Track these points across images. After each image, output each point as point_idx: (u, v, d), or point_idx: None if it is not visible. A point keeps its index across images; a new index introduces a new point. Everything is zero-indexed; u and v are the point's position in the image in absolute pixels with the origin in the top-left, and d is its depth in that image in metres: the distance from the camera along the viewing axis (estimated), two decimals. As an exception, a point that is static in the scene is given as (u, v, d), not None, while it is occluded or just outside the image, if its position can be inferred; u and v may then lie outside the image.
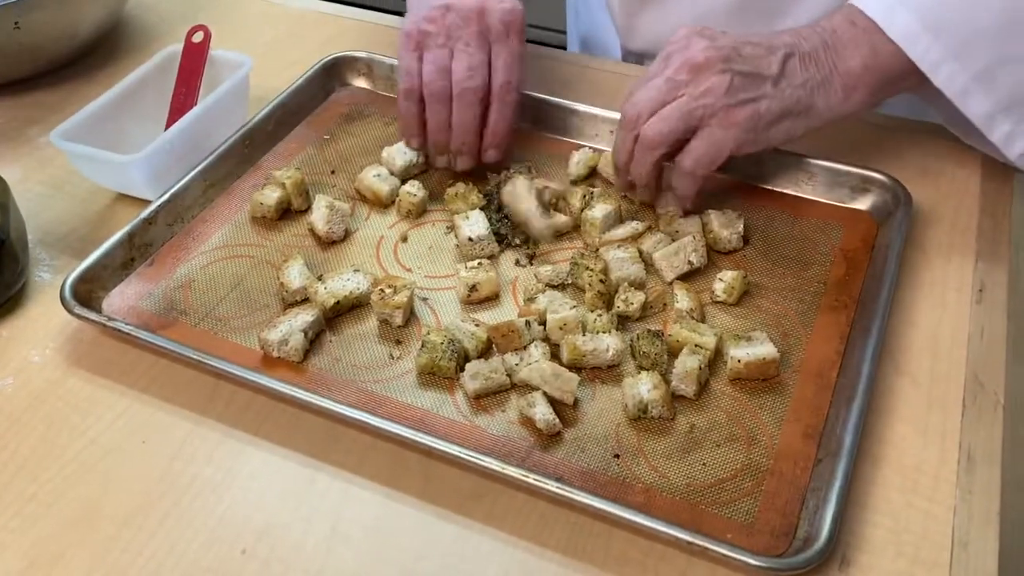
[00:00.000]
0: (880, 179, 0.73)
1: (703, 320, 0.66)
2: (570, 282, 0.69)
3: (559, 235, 0.73)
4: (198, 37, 0.81)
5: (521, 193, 0.71)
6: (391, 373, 0.63)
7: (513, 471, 0.54)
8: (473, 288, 0.67)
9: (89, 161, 0.72)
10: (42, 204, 0.77)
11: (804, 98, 0.67)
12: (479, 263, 0.68)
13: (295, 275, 0.67)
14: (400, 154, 0.78)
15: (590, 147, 0.79)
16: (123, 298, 0.68)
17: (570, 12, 1.10)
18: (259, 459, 0.58)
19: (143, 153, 0.71)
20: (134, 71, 0.80)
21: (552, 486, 0.53)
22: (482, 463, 0.55)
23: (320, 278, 0.67)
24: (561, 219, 0.72)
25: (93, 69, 0.93)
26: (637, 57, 0.92)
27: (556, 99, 0.82)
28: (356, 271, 0.67)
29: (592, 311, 0.64)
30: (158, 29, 0.99)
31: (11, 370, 0.64)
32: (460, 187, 0.74)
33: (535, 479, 0.54)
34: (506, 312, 0.67)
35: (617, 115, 0.79)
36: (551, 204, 0.74)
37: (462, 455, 0.55)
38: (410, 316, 0.67)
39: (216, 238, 0.73)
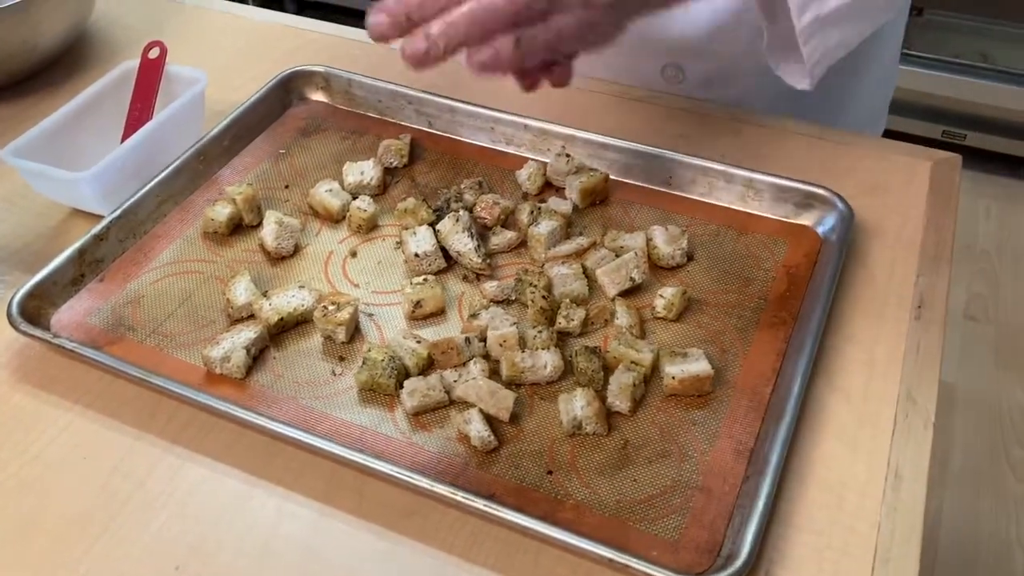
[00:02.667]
0: (823, 195, 0.73)
1: (643, 336, 0.67)
2: (515, 298, 0.69)
3: (509, 250, 0.74)
4: (154, 53, 0.82)
5: (453, 234, 0.71)
6: (332, 390, 0.64)
7: (442, 488, 0.55)
8: (418, 304, 0.68)
9: (40, 177, 0.73)
10: (-3, 219, 0.78)
11: None
12: (424, 279, 0.69)
13: (241, 291, 0.68)
14: (355, 173, 0.79)
15: (535, 160, 0.80)
16: (72, 314, 0.69)
17: None
18: (197, 475, 0.59)
19: (93, 170, 0.71)
20: (89, 86, 0.80)
21: (479, 504, 0.54)
22: (412, 481, 0.55)
23: (265, 294, 0.67)
24: (506, 238, 0.73)
25: (54, 83, 0.93)
26: None
27: (507, 113, 0.82)
28: (301, 287, 0.68)
29: (534, 327, 0.65)
30: (121, 43, 1.00)
31: (-42, 386, 0.65)
32: (410, 202, 0.75)
33: (463, 497, 0.54)
34: (451, 328, 0.68)
35: (569, 130, 0.80)
36: (500, 220, 0.75)
37: (394, 473, 0.56)
38: (355, 332, 0.67)
39: (167, 254, 0.74)
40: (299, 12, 2.63)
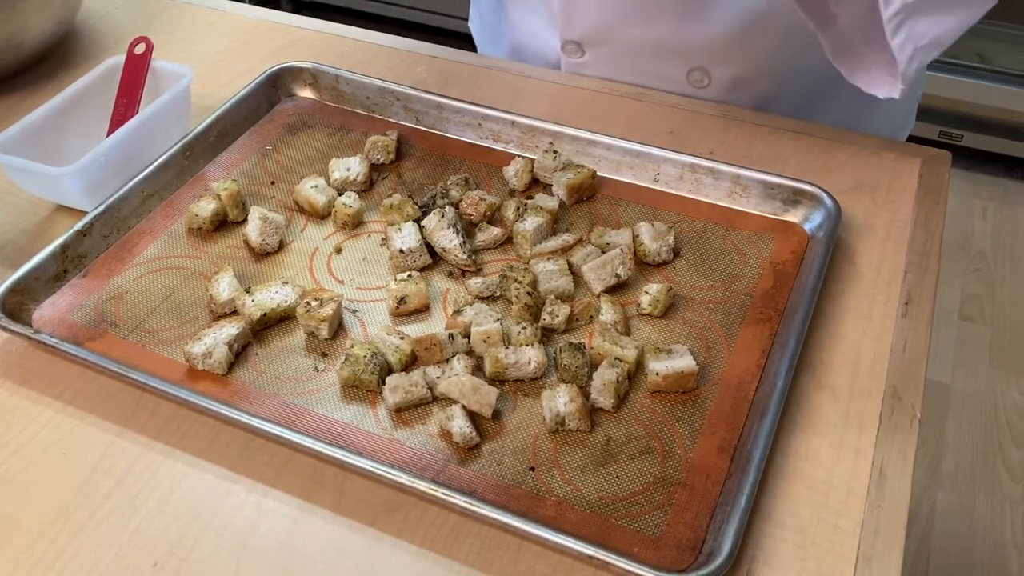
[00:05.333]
0: (811, 191, 0.73)
1: (628, 333, 0.66)
2: (500, 294, 0.69)
3: (494, 246, 0.73)
4: (140, 48, 0.82)
5: (439, 231, 0.71)
6: (314, 386, 0.63)
7: (422, 485, 0.54)
8: (402, 300, 0.67)
9: (23, 173, 0.73)
10: (-18, 215, 0.78)
11: None
12: (409, 275, 0.69)
13: (224, 287, 0.67)
14: (341, 169, 0.78)
15: (523, 156, 0.79)
16: (54, 309, 0.68)
17: (474, 15, 1.10)
18: (178, 471, 0.59)
19: (76, 165, 0.71)
20: (74, 82, 0.80)
21: (460, 500, 0.54)
22: (393, 477, 0.55)
23: (248, 290, 0.67)
24: (492, 234, 0.73)
25: (41, 80, 0.93)
26: (577, 46, 0.92)
27: (495, 110, 0.82)
28: (285, 284, 0.68)
29: (518, 324, 0.65)
30: (109, 40, 1.00)
31: (-62, 382, 0.64)
32: (396, 198, 0.74)
33: (443, 493, 0.54)
34: (436, 324, 0.68)
35: (557, 127, 0.80)
36: (486, 216, 0.74)
37: (374, 469, 0.56)
38: (339, 328, 0.67)
39: (151, 249, 0.73)
40: (296, 12, 2.63)
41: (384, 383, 0.62)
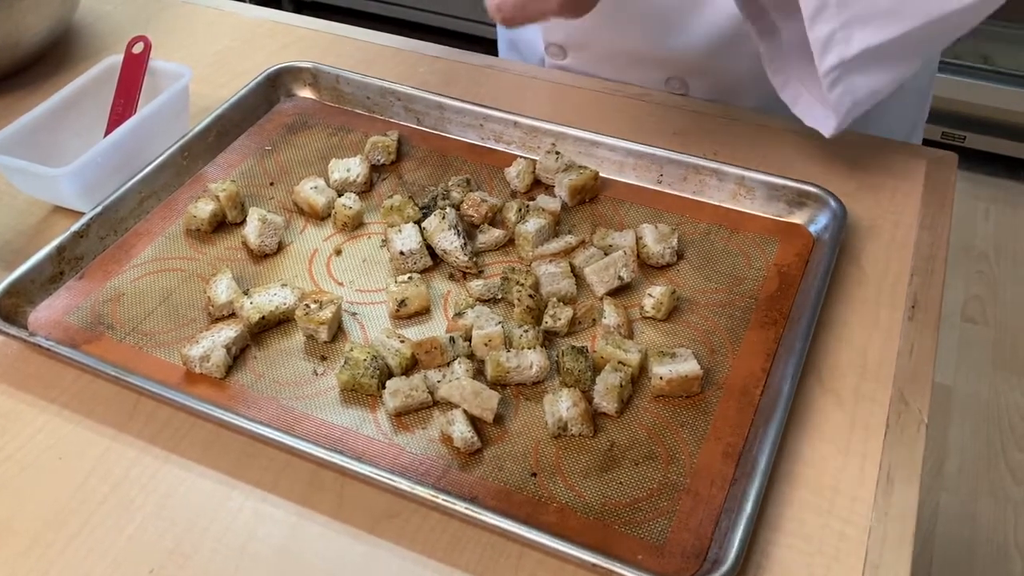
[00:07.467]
0: (816, 193, 0.72)
1: (631, 336, 0.65)
2: (501, 297, 0.68)
3: (496, 248, 0.73)
4: (138, 48, 0.81)
5: (439, 232, 0.70)
6: (313, 390, 0.62)
7: (422, 491, 0.54)
8: (402, 303, 0.67)
9: (20, 174, 0.72)
10: (-22, 216, 0.77)
11: None
12: (409, 277, 0.68)
13: (222, 289, 0.67)
14: (341, 169, 0.77)
15: (524, 157, 0.78)
16: (50, 312, 0.67)
17: None
18: (175, 476, 0.58)
19: (73, 166, 0.70)
20: (72, 82, 0.79)
21: (460, 506, 0.53)
22: (393, 483, 0.54)
23: (246, 293, 0.66)
24: (493, 236, 0.72)
25: (38, 79, 0.92)
26: (560, 48, 0.92)
27: (497, 110, 0.81)
28: (284, 286, 0.67)
29: (520, 327, 0.64)
30: (108, 39, 0.99)
31: (-68, 385, 0.64)
32: (397, 200, 0.74)
33: (444, 499, 0.53)
34: (436, 327, 0.67)
35: (559, 127, 0.79)
36: (487, 217, 0.74)
37: (374, 474, 0.55)
38: (338, 331, 0.66)
39: (149, 251, 0.72)
40: (296, 11, 2.62)
41: (384, 387, 0.61)
